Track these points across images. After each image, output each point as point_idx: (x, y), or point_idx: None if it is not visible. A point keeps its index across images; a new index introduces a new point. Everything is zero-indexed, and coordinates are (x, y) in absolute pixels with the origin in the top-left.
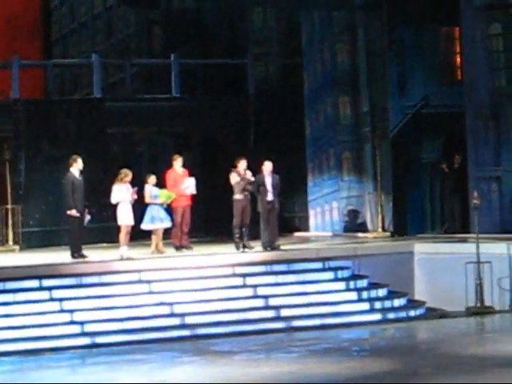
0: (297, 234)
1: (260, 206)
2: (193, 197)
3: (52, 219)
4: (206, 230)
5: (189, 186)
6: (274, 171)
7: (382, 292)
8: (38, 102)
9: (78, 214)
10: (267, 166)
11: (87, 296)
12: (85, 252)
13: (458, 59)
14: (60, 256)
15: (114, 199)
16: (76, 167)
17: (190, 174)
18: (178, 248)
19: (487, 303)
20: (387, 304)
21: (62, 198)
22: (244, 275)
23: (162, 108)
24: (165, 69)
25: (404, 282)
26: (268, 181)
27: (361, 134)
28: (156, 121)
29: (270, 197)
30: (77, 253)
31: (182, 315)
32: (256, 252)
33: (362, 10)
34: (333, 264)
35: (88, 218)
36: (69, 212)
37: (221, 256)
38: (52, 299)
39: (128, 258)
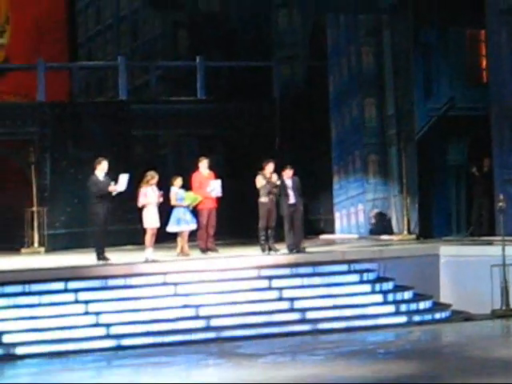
0: (322, 236)
1: (283, 208)
2: (218, 199)
3: (77, 221)
4: (232, 232)
5: (214, 188)
6: (297, 174)
7: (407, 294)
8: (63, 104)
9: (115, 187)
10: (287, 173)
11: (112, 298)
12: (109, 255)
13: (484, 61)
14: (85, 258)
15: (140, 202)
16: (101, 169)
17: (216, 177)
18: (204, 250)
19: None
20: (412, 307)
21: (87, 201)
22: (269, 277)
23: (187, 110)
24: (190, 71)
25: (429, 285)
26: (288, 183)
27: (386, 136)
28: (181, 123)
29: (291, 200)
30: (102, 255)
31: (208, 317)
32: (281, 254)
33: (387, 12)
34: (358, 266)
35: (124, 179)
36: (110, 188)
37: (246, 258)
38: (77, 301)
39: (153, 261)
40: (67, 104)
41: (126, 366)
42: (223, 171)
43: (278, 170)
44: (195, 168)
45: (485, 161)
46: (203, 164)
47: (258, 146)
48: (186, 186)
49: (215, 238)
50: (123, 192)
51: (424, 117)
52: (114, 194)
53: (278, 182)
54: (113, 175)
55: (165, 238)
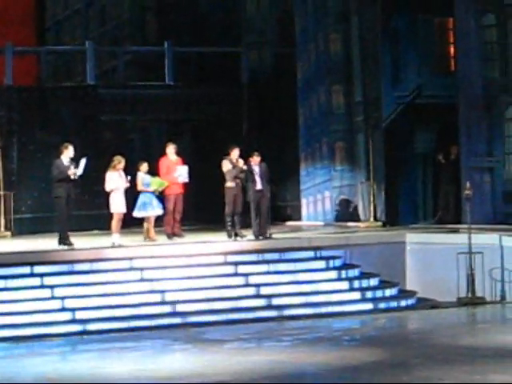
0: (289, 222)
1: (250, 194)
2: (185, 185)
3: (44, 206)
4: (198, 218)
5: (181, 174)
6: (264, 160)
7: (373, 282)
8: (31, 88)
9: (74, 170)
10: (255, 160)
11: (78, 283)
12: (75, 239)
13: (452, 50)
14: (52, 243)
15: (108, 187)
16: (66, 154)
17: (184, 163)
18: (170, 236)
19: (479, 294)
20: (378, 294)
21: (51, 185)
22: (236, 263)
23: (156, 96)
24: (158, 56)
25: (395, 272)
26: (256, 170)
27: (354, 123)
28: (149, 108)
29: (259, 185)
30: (64, 239)
31: (174, 303)
32: (248, 240)
33: None
34: (324, 253)
35: (82, 163)
36: (69, 172)
37: (212, 244)
38: (43, 286)
39: (120, 246)
40: (35, 88)
41: (91, 350)
42: (190, 156)
43: (245, 156)
44: (162, 153)
45: (452, 148)
46: (170, 149)
47: (225, 131)
48: (154, 172)
49: (182, 224)
50: (83, 175)
51: (391, 104)
52: (73, 177)
53: (245, 167)
54: (79, 160)
55: (131, 223)
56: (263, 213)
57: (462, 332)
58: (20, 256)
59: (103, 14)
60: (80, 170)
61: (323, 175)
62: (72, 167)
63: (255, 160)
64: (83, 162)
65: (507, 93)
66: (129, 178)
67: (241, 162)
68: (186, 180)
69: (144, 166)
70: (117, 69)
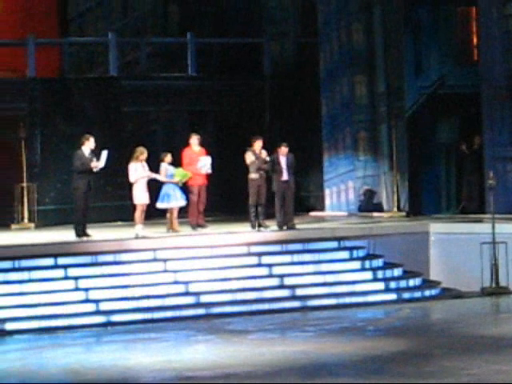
0: (312, 213)
1: (275, 185)
2: (208, 176)
3: (67, 197)
4: (222, 208)
5: (204, 164)
6: (290, 151)
7: (397, 272)
8: (53, 80)
9: (97, 163)
10: (283, 151)
11: (102, 274)
12: (99, 231)
13: (475, 39)
14: (75, 234)
15: (132, 178)
16: (87, 146)
17: (207, 153)
18: (194, 227)
19: (502, 283)
20: (402, 284)
21: (71, 176)
22: (259, 254)
23: (178, 87)
24: (181, 48)
25: (419, 262)
26: (283, 160)
27: (376, 113)
28: (171, 99)
29: (285, 176)
30: (81, 231)
31: (197, 294)
32: (271, 231)
33: None
34: (348, 243)
35: (104, 155)
36: (92, 164)
37: (236, 235)
38: (67, 277)
39: (143, 237)
40: (57, 80)
41: (115, 341)
42: (213, 147)
43: (268, 147)
44: (185, 144)
45: (475, 138)
46: (194, 140)
47: (248, 122)
48: (177, 163)
49: (205, 215)
50: (105, 167)
51: (414, 94)
52: (95, 170)
53: (268, 158)
54: (100, 151)
55: (155, 214)
56: (288, 204)
57: (485, 322)
58: (44, 248)
59: (126, 5)
60: (102, 163)
61: (346, 165)
62: (94, 159)
63: (283, 151)
64: (105, 154)
65: None
66: (155, 175)
67: (264, 153)
68: (209, 171)
69: (168, 157)
70: (139, 60)
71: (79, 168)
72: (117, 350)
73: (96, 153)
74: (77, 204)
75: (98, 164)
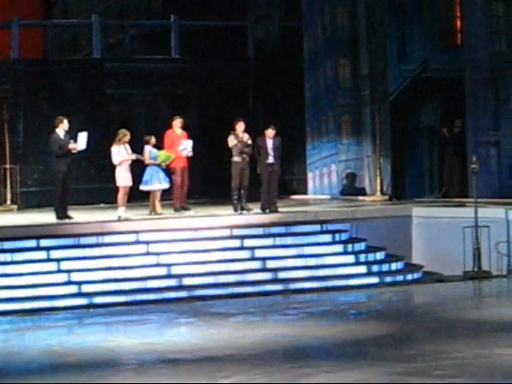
0: (294, 196)
1: (260, 168)
2: (189, 159)
3: (50, 179)
4: (205, 191)
5: (185, 148)
6: (275, 134)
7: (379, 255)
8: (37, 62)
9: (75, 145)
10: (270, 133)
11: (85, 256)
12: (81, 213)
13: (459, 23)
14: None
15: (116, 160)
16: (62, 128)
17: (189, 137)
18: (178, 209)
19: (485, 268)
20: (384, 267)
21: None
22: (242, 237)
23: (162, 69)
24: (164, 30)
25: (401, 246)
26: (269, 143)
27: (360, 97)
28: (155, 82)
29: (270, 159)
30: (62, 213)
31: (180, 276)
32: (254, 214)
33: None
34: (331, 227)
35: (83, 137)
36: (70, 146)
37: (219, 218)
38: (49, 259)
39: (126, 219)
40: (41, 62)
41: (97, 323)
42: (197, 130)
43: (254, 130)
44: (169, 127)
45: (456, 122)
46: (177, 123)
47: (231, 105)
48: (160, 145)
49: (188, 198)
50: (87, 149)
51: (398, 78)
52: (74, 152)
53: (250, 142)
54: (89, 133)
55: (138, 196)
56: (272, 187)
57: (467, 306)
58: (26, 229)
59: None
60: (82, 145)
61: (329, 149)
62: (72, 142)
63: (270, 133)
64: (83, 136)
65: None
66: (138, 156)
67: (246, 137)
68: (190, 154)
69: (152, 140)
70: (123, 42)
71: (58, 152)
72: (99, 331)
73: (72, 135)
74: (57, 187)
75: (76, 146)
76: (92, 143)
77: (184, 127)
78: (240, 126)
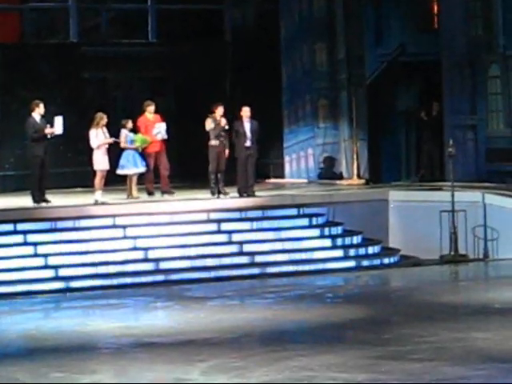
0: (271, 180)
1: (237, 151)
2: (165, 142)
3: (27, 163)
4: (182, 175)
5: (160, 131)
6: (252, 117)
7: (356, 239)
8: (13, 46)
9: (52, 129)
10: (245, 112)
11: (61, 240)
12: (58, 197)
13: (436, 7)
14: None
15: (94, 144)
16: (38, 112)
17: (162, 120)
18: (151, 193)
19: (461, 251)
20: (361, 251)
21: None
22: (219, 221)
23: (139, 53)
24: (141, 14)
25: (378, 230)
26: (246, 127)
27: (337, 81)
28: (132, 66)
29: (248, 143)
30: (38, 197)
31: (157, 260)
32: (231, 198)
33: None
34: (308, 211)
35: (59, 121)
36: (47, 130)
37: (196, 202)
38: (26, 243)
39: (103, 203)
40: (17, 46)
41: (74, 307)
42: (174, 114)
43: (231, 114)
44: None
45: (434, 105)
46: (149, 108)
47: (209, 89)
48: (135, 129)
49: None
50: (64, 134)
51: (375, 62)
52: (49, 136)
53: (227, 127)
54: (65, 117)
55: (115, 180)
56: (249, 170)
57: (444, 290)
58: (3, 213)
59: None
60: (58, 129)
61: (306, 133)
62: (48, 126)
63: (245, 112)
64: (59, 120)
65: (491, 51)
66: (115, 139)
67: (223, 121)
68: (165, 137)
69: (129, 124)
70: (100, 26)
71: (33, 136)
72: (76, 315)
73: (48, 119)
74: (33, 171)
75: (53, 130)
76: (69, 127)
77: (160, 111)
78: (219, 111)
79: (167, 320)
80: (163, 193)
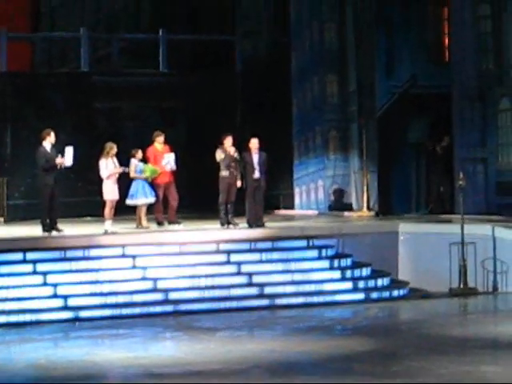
0: (281, 211)
1: (246, 183)
2: (174, 173)
3: (37, 192)
4: (192, 206)
5: (168, 161)
6: (261, 148)
7: (365, 271)
8: (25, 74)
9: (62, 160)
10: (254, 143)
11: (71, 270)
12: (68, 226)
13: (447, 40)
14: None
15: (104, 174)
16: (49, 141)
17: (171, 150)
18: (160, 223)
19: (470, 284)
20: (370, 283)
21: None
22: (228, 252)
23: (150, 83)
24: (153, 44)
25: (388, 262)
26: (255, 158)
27: (347, 112)
28: (143, 96)
29: (256, 174)
30: (48, 226)
31: (166, 291)
32: (241, 229)
33: None
34: (317, 242)
35: (69, 152)
36: (58, 161)
37: (205, 232)
38: (35, 272)
39: (112, 233)
40: (29, 74)
41: (83, 337)
42: (184, 144)
43: (242, 145)
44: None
45: (444, 138)
46: (158, 139)
47: (219, 119)
48: (145, 159)
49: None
50: (73, 165)
51: (385, 94)
52: (58, 167)
53: (236, 155)
54: (74, 147)
55: (124, 210)
56: (258, 202)
57: (453, 322)
58: (13, 242)
59: (98, 0)
60: (69, 161)
61: (316, 164)
62: (59, 156)
63: (253, 144)
64: (70, 150)
65: (501, 84)
66: (125, 168)
67: (232, 151)
68: (174, 168)
69: (138, 154)
70: (111, 56)
71: (44, 166)
72: (84, 345)
73: (59, 148)
74: (43, 200)
75: (64, 161)
76: (79, 156)
77: (170, 141)
78: (228, 141)
79: (176, 350)
80: (170, 223)
